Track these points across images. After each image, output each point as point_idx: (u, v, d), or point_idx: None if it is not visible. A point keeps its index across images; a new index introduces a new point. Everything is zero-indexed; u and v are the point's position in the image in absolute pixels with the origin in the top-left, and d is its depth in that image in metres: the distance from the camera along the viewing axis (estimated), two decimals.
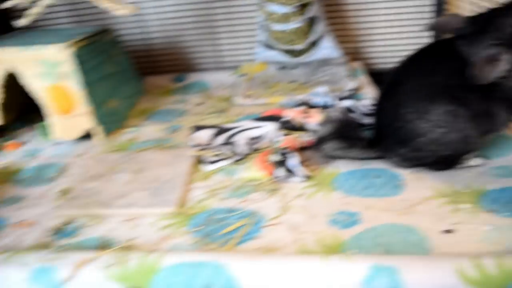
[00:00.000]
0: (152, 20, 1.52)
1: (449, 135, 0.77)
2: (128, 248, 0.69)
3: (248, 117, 1.11)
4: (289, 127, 1.00)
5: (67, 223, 0.79)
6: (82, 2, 1.45)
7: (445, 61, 0.78)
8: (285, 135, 0.98)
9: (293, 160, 0.84)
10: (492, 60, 0.72)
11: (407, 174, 0.83)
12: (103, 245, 0.71)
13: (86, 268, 0.64)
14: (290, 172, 0.84)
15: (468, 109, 0.77)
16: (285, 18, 1.27)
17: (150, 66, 1.57)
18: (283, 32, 1.30)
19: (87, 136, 1.11)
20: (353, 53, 1.50)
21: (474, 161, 0.84)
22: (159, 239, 0.72)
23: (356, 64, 1.42)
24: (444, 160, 0.81)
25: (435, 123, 0.77)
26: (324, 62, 1.42)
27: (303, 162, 0.88)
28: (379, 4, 1.43)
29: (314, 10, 1.28)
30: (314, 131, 0.91)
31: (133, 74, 1.37)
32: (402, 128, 0.80)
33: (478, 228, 0.67)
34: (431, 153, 0.80)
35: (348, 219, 0.72)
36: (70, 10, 1.52)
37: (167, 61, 1.58)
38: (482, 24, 0.77)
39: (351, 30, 1.48)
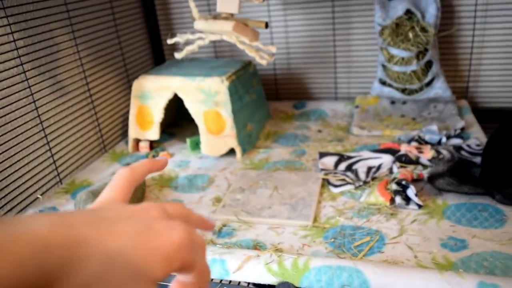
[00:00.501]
0: (279, 50, 1.76)
1: None
2: (279, 250, 0.91)
3: (366, 147, 1.30)
4: (406, 160, 1.17)
5: (223, 226, 1.02)
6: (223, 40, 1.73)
7: None
8: (401, 167, 1.15)
9: (411, 190, 1.02)
10: None
11: (509, 211, 0.97)
12: (256, 246, 0.93)
13: (250, 263, 0.86)
14: (406, 200, 1.01)
15: None
16: (405, 61, 1.44)
17: (273, 93, 1.81)
18: (401, 73, 1.47)
19: (227, 154, 1.36)
20: (460, 92, 1.62)
21: None
22: (301, 245, 0.92)
23: (463, 103, 1.54)
24: None
25: None
26: (433, 99, 1.57)
27: (417, 193, 1.05)
28: (488, 47, 1.55)
29: (430, 54, 1.44)
30: (428, 166, 1.08)
31: (264, 101, 1.61)
32: (509, 170, 0.95)
33: None
34: None
35: (457, 244, 0.88)
36: (212, 42, 1.80)
37: (288, 89, 1.81)
38: None
39: (460, 71, 1.61)
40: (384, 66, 1.51)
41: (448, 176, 1.01)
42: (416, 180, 1.11)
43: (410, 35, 1.39)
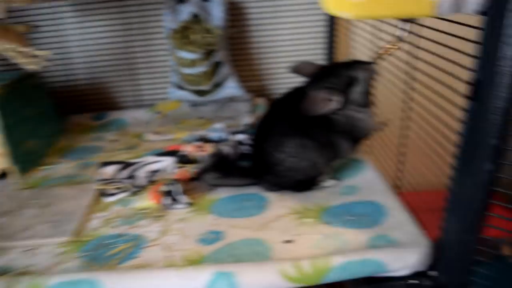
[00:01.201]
0: (77, 61, 1.65)
1: (301, 163, 0.94)
2: (21, 273, 0.80)
3: (153, 152, 1.25)
4: (184, 160, 1.15)
5: None
6: None
7: (298, 102, 0.96)
8: (180, 167, 1.13)
9: (177, 189, 0.99)
10: (322, 98, 0.90)
11: (272, 197, 0.99)
12: (1, 273, 0.82)
13: None
14: (174, 200, 0.98)
15: (314, 141, 0.94)
16: (193, 63, 1.43)
17: (74, 106, 1.69)
18: (191, 75, 1.46)
19: (3, 175, 1.21)
20: (258, 90, 1.68)
21: (327, 183, 1.01)
22: (51, 265, 0.83)
23: (260, 100, 1.59)
24: (301, 184, 0.98)
25: (288, 154, 0.94)
26: (231, 99, 1.59)
27: (188, 191, 1.03)
28: (277, 46, 1.62)
29: (219, 56, 1.45)
30: (200, 164, 1.06)
31: (54, 114, 1.49)
32: (267, 159, 0.97)
33: (313, 237, 0.83)
34: (289, 178, 0.97)
35: (214, 237, 0.86)
36: None
37: (89, 100, 1.70)
38: (326, 71, 0.95)
39: (255, 70, 1.66)
40: (176, 70, 1.49)
41: (213, 171, 1.01)
42: (194, 179, 1.09)
43: (196, 37, 1.38)
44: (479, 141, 0.60)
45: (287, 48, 1.63)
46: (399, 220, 0.85)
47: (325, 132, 0.95)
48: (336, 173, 1.06)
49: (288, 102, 0.99)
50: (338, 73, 0.93)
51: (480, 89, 0.58)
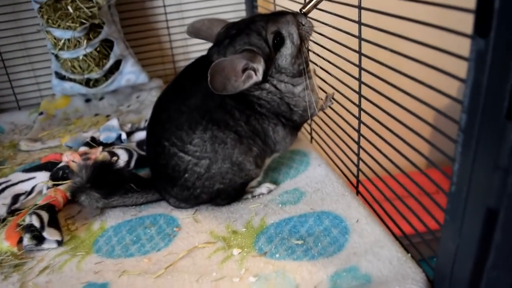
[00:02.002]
0: None
1: (216, 165, 0.65)
2: None
3: (22, 168, 0.91)
4: (63, 175, 0.82)
5: None
6: None
7: (204, 78, 0.66)
8: (54, 185, 0.80)
9: (41, 222, 0.67)
10: (233, 68, 0.61)
11: (184, 218, 0.69)
12: None
13: None
14: (39, 238, 0.66)
15: (233, 131, 0.65)
16: (73, 44, 1.09)
17: None
18: (73, 60, 1.12)
19: None
20: (170, 74, 1.36)
21: (261, 189, 0.73)
22: None
23: None
24: (222, 194, 0.68)
25: (196, 154, 0.65)
26: (138, 88, 1.27)
27: (67, 220, 0.71)
28: (188, 11, 1.31)
29: (107, 32, 1.12)
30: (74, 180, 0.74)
31: None
32: (167, 165, 0.67)
33: (242, 282, 0.54)
34: (204, 189, 0.67)
35: None
36: None
37: None
38: (238, 29, 0.65)
39: (163, 49, 1.34)
40: (56, 56, 1.14)
41: (91, 189, 0.69)
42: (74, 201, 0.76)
43: (70, 9, 1.04)
44: None
45: (202, 12, 1.31)
46: (371, 240, 0.57)
47: (247, 117, 0.66)
48: (272, 174, 0.78)
49: (189, 78, 0.69)
50: (255, 29, 0.64)
51: None
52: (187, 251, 0.61)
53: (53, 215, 0.71)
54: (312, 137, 0.92)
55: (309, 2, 0.69)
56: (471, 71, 0.37)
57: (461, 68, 0.41)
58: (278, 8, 1.02)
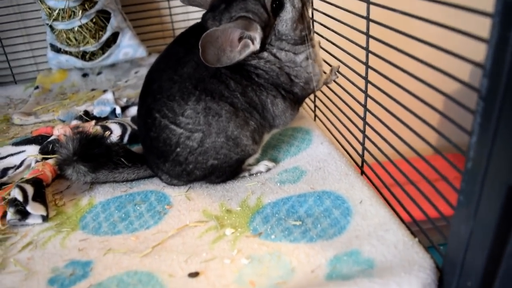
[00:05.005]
0: None
1: (210, 139, 0.61)
2: None
3: (13, 141, 0.87)
4: (53, 149, 0.79)
5: None
6: None
7: (197, 46, 0.61)
8: (44, 159, 0.76)
9: (26, 196, 0.63)
10: (228, 37, 0.56)
11: (176, 195, 0.65)
12: None
13: None
14: (23, 213, 0.62)
15: (228, 103, 0.61)
16: (67, 14, 1.04)
17: None
18: (69, 31, 1.07)
19: None
20: None
21: (259, 167, 0.69)
22: None
23: None
24: (216, 171, 0.64)
25: (189, 127, 0.60)
26: (136, 64, 1.22)
27: (55, 195, 0.68)
28: None
29: (103, 3, 1.07)
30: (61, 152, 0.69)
31: None
32: (157, 138, 0.62)
33: (235, 265, 0.50)
34: (197, 165, 0.63)
35: (75, 273, 0.52)
36: None
37: None
38: None
39: (163, 22, 1.29)
40: (51, 27, 1.09)
41: (77, 162, 0.65)
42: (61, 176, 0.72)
43: None
44: None
45: None
46: (375, 222, 0.53)
47: (244, 88, 0.62)
48: (271, 152, 0.73)
49: (182, 47, 0.64)
50: None
51: None
52: (177, 230, 0.57)
53: (40, 189, 0.67)
54: (316, 115, 0.87)
55: None
56: (495, 27, 0.32)
57: (473, 52, 0.37)
58: None
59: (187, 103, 0.60)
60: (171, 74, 0.61)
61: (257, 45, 0.58)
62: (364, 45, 0.61)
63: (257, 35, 0.58)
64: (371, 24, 0.59)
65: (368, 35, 0.60)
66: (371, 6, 0.58)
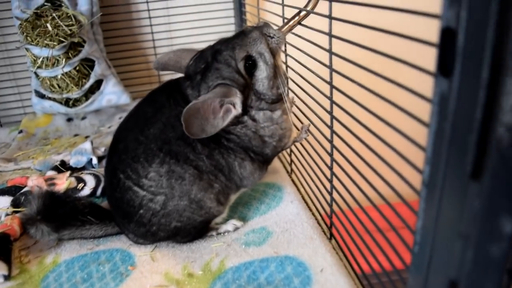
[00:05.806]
0: None
1: (172, 202, 0.60)
2: None
3: None
4: (25, 202, 0.78)
5: None
6: None
7: (167, 107, 0.62)
8: (14, 212, 0.76)
9: None
10: (209, 108, 0.57)
11: (141, 255, 0.64)
12: None
13: None
14: None
15: (193, 166, 0.60)
16: (51, 62, 1.05)
17: None
18: (52, 78, 1.09)
19: None
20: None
21: (227, 226, 0.68)
22: None
23: None
24: (181, 232, 0.63)
25: (151, 189, 0.60)
26: (121, 109, 1.23)
27: (21, 251, 0.67)
28: (176, 31, 1.27)
29: (87, 51, 1.09)
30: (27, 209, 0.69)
31: None
32: (122, 198, 0.62)
33: None
34: (160, 227, 0.62)
35: None
36: None
37: None
38: (205, 62, 0.61)
39: (147, 69, 1.31)
40: (35, 74, 1.11)
41: (41, 221, 0.64)
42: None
43: (49, 26, 1.01)
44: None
45: (190, 32, 1.27)
46: None
47: (210, 151, 0.62)
48: (241, 209, 0.73)
49: (151, 106, 0.64)
50: (224, 61, 0.59)
51: None
52: None
53: (6, 245, 0.67)
54: (292, 169, 0.87)
55: (287, 22, 0.65)
56: (434, 116, 0.33)
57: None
58: (262, 16, 0.99)
59: (151, 166, 0.59)
60: (137, 135, 0.61)
61: (238, 109, 0.58)
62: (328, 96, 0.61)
63: (237, 99, 0.58)
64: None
65: (331, 85, 0.60)
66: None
